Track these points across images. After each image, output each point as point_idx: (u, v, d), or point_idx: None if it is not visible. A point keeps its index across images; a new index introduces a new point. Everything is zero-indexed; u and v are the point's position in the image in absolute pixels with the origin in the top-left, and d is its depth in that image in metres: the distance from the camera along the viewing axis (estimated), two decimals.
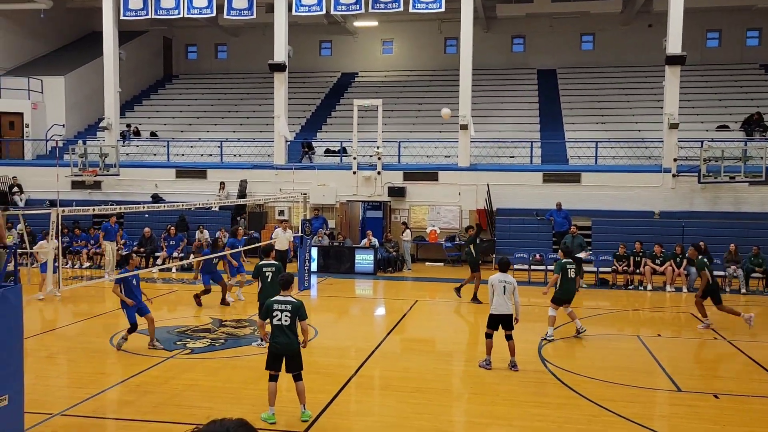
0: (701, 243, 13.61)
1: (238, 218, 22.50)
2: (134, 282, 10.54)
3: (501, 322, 9.55)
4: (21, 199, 23.84)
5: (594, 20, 29.77)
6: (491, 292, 9.57)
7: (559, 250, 12.35)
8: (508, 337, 9.56)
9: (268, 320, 7.42)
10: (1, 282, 6.38)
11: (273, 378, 7.44)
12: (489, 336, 9.66)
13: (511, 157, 23.61)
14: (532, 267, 18.89)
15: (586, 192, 21.33)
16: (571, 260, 11.79)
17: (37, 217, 15.38)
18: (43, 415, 7.47)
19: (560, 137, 24.74)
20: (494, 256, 20.46)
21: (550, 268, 17.88)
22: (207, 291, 13.99)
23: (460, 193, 22.07)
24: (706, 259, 12.70)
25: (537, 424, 7.56)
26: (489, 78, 29.19)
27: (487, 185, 21.56)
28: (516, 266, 18.72)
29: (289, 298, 7.39)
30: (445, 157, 23.59)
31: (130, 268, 10.74)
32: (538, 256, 19.30)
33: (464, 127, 22.09)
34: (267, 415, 7.41)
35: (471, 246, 15.21)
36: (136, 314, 10.48)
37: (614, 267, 17.80)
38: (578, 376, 9.36)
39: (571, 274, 11.58)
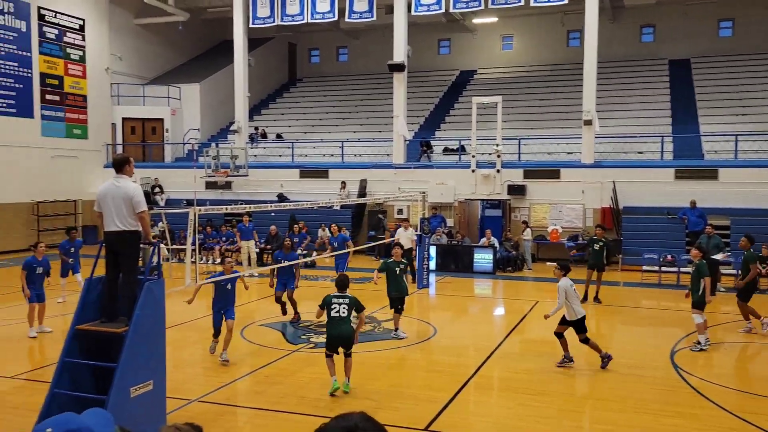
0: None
1: (379, 216, 22.78)
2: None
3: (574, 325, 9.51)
4: (162, 199, 25.69)
5: (734, 4, 27.70)
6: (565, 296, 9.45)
7: (692, 250, 11.49)
8: (585, 340, 9.51)
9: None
10: (146, 276, 6.92)
11: (329, 356, 8.41)
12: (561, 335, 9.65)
13: (639, 152, 22.49)
14: (663, 269, 17.87)
15: (723, 189, 19.89)
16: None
17: (176, 216, 16.50)
18: (182, 401, 8.02)
19: (694, 131, 23.24)
20: (620, 256, 19.59)
21: (684, 269, 16.85)
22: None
23: (583, 191, 21.31)
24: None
25: None
26: (615, 70, 27.97)
27: (613, 182, 20.66)
28: (645, 267, 17.84)
29: (346, 294, 8.49)
30: (568, 153, 22.86)
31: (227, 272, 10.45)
32: (669, 257, 18.23)
33: (588, 123, 21.30)
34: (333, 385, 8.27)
35: (598, 245, 14.61)
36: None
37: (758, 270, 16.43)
38: (715, 385, 8.76)
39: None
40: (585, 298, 14.52)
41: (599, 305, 14.29)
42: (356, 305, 8.43)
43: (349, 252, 15.50)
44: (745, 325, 11.82)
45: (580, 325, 9.43)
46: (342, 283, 8.71)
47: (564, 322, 9.55)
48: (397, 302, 11.53)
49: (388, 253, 11.86)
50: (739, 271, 12.65)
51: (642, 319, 13.53)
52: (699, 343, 10.41)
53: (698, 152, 22.08)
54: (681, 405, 8.12)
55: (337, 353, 8.38)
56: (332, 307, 8.35)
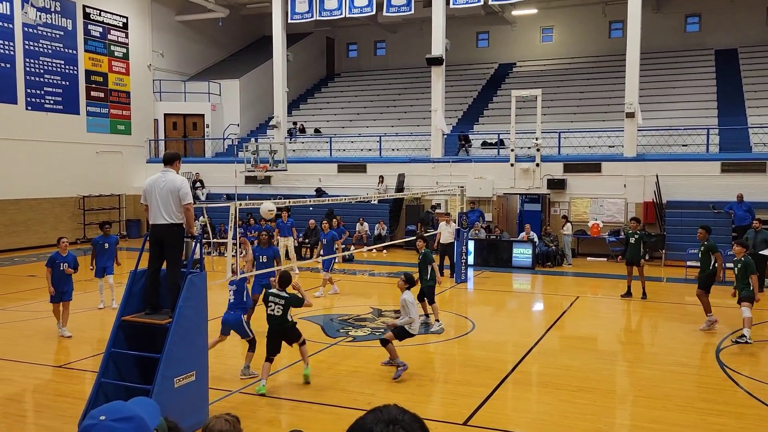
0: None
1: (432, 209, 22.67)
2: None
3: None
4: (203, 194, 26.09)
5: None
6: None
7: (735, 246, 11.08)
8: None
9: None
10: (189, 269, 7.03)
11: (269, 359, 8.29)
12: None
13: (683, 145, 21.95)
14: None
15: None
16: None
17: (217, 210, 16.72)
18: (223, 392, 8.14)
19: (741, 123, 22.58)
20: (663, 252, 19.18)
21: (728, 265, 16.40)
22: None
23: (625, 185, 20.91)
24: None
25: None
26: (658, 62, 27.33)
27: (656, 176, 20.22)
28: (689, 263, 17.43)
29: (282, 293, 8.29)
30: (609, 147, 22.46)
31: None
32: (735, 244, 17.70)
33: (630, 115, 20.88)
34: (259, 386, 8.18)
35: (634, 239, 14.32)
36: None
37: None
38: (764, 384, 8.51)
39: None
40: (629, 294, 14.26)
41: (643, 301, 14.01)
42: (294, 303, 8.32)
43: (336, 251, 15.05)
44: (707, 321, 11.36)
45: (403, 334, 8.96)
46: (283, 280, 8.47)
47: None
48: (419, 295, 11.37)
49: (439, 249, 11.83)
50: None
51: (686, 315, 13.23)
52: (744, 336, 10.17)
53: (746, 145, 21.45)
54: (727, 404, 7.91)
55: (278, 352, 8.30)
56: (268, 305, 8.27)
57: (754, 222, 16.03)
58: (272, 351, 8.30)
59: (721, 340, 10.46)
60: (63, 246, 11.24)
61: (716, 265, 11.44)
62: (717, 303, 12.07)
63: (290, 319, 8.39)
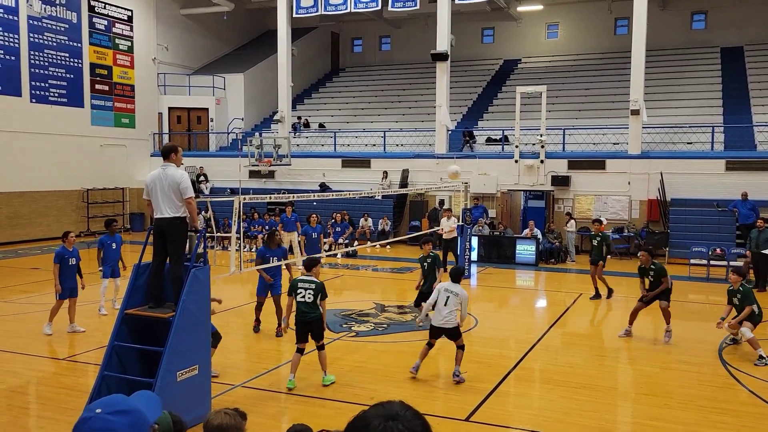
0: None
1: (438, 208, 22.35)
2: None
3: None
4: (206, 188, 26.12)
5: None
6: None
7: (731, 275, 10.22)
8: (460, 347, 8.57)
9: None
10: (192, 262, 7.05)
11: (299, 350, 8.19)
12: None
13: (688, 143, 21.90)
14: (711, 262, 17.39)
15: None
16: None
17: (220, 204, 16.72)
18: (226, 386, 8.17)
19: (746, 121, 22.50)
20: (667, 249, 19.16)
21: (733, 263, 16.36)
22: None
23: (629, 183, 20.87)
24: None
25: None
26: (664, 59, 27.22)
27: (661, 174, 20.17)
28: (692, 261, 17.40)
29: (311, 278, 8.14)
30: (614, 144, 22.41)
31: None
32: (718, 250, 17.73)
33: (635, 113, 20.82)
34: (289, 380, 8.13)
35: (596, 241, 14.01)
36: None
37: None
38: (766, 382, 8.50)
39: None
40: (598, 295, 14.11)
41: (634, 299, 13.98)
42: (324, 291, 8.11)
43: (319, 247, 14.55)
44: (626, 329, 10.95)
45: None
46: (310, 263, 8.34)
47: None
48: (420, 298, 11.03)
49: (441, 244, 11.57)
50: None
51: (689, 313, 13.23)
52: (763, 357, 9.32)
53: (750, 143, 21.39)
54: (729, 402, 7.92)
55: (306, 342, 8.16)
56: (297, 291, 8.10)
57: (759, 221, 15.98)
58: (301, 339, 8.16)
59: (723, 339, 10.45)
60: (71, 240, 10.80)
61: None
62: (719, 301, 12.05)
63: (320, 309, 8.15)
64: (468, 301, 8.70)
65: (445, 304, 8.41)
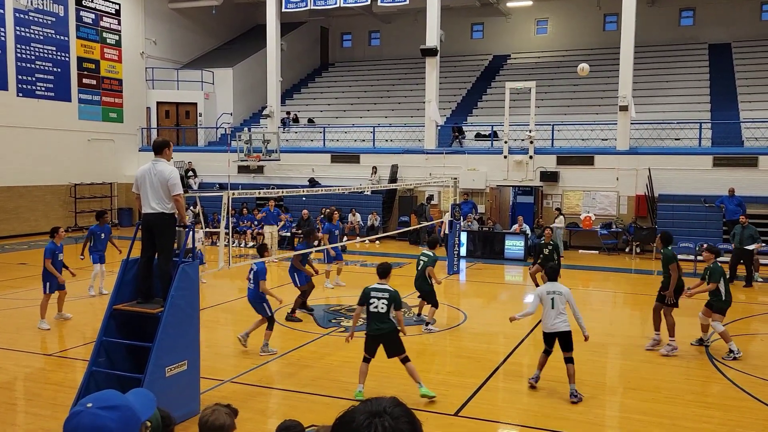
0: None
1: (426, 204, 22.40)
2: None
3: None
4: (195, 183, 25.99)
5: None
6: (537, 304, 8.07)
7: (704, 252, 10.09)
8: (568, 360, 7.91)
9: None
10: (181, 258, 7.02)
11: (366, 360, 7.67)
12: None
13: (676, 139, 22.04)
14: (699, 258, 17.49)
15: (763, 177, 19.41)
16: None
17: (209, 199, 16.67)
18: (215, 381, 8.15)
19: (734, 117, 22.67)
20: (654, 245, 19.26)
21: (720, 259, 16.47)
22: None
23: (618, 178, 20.99)
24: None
25: (704, 425, 7.06)
26: (652, 55, 27.37)
27: (649, 170, 20.30)
28: (680, 256, 17.47)
29: (386, 286, 7.57)
30: (602, 140, 22.51)
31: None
32: (706, 246, 17.84)
33: (624, 109, 20.92)
34: (357, 391, 7.62)
35: (547, 249, 13.49)
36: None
37: None
38: (752, 377, 8.60)
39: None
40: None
41: (632, 294, 14.08)
42: (396, 302, 7.52)
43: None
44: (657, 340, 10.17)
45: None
46: (385, 271, 7.77)
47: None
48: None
49: (431, 243, 11.57)
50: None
51: (677, 309, 13.29)
52: (732, 351, 9.35)
53: (738, 139, 21.55)
54: (715, 396, 8.00)
55: (374, 355, 7.66)
56: (370, 301, 7.53)
57: (741, 217, 16.10)
58: (370, 352, 7.61)
59: (710, 334, 10.52)
60: (61, 236, 11.18)
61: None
62: (706, 297, 12.17)
63: (393, 322, 7.53)
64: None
65: (552, 307, 7.81)
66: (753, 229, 15.60)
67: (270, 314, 9.42)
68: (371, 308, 7.50)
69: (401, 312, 7.61)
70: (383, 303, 7.44)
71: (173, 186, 6.96)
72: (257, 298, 9.43)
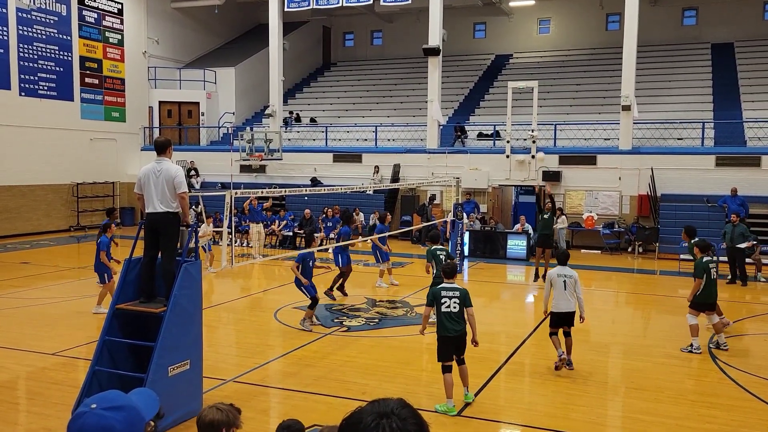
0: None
1: (429, 201, 22.43)
2: (311, 262, 11.10)
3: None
4: (197, 182, 26.00)
5: None
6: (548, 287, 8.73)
7: (696, 248, 10.07)
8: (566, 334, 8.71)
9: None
10: (183, 257, 7.01)
11: (450, 369, 7.36)
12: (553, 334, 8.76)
13: (678, 139, 22.00)
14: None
15: (767, 177, 19.36)
16: (713, 259, 9.94)
17: (212, 198, 16.69)
18: (217, 380, 8.15)
19: (737, 117, 22.63)
20: (657, 245, 19.26)
21: (722, 259, 16.46)
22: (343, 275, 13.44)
23: (620, 178, 20.96)
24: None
25: (707, 426, 7.04)
26: (655, 55, 27.32)
27: (651, 169, 20.26)
28: (682, 256, 17.49)
29: (455, 285, 7.48)
30: (605, 140, 22.48)
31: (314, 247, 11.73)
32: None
33: (626, 108, 20.89)
34: (447, 407, 7.29)
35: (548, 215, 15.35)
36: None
37: None
38: (755, 377, 8.57)
39: (714, 275, 9.70)
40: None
41: (636, 294, 14.07)
42: (469, 299, 7.40)
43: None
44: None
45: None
46: (451, 271, 7.66)
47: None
48: None
49: (432, 238, 11.48)
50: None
51: (679, 308, 13.25)
52: (691, 345, 9.51)
53: (740, 139, 21.51)
54: (719, 396, 7.97)
55: (452, 359, 7.41)
56: (442, 301, 7.33)
57: (732, 216, 16.02)
58: (446, 358, 7.36)
59: (712, 333, 10.51)
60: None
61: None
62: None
63: (465, 322, 7.41)
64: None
65: (565, 289, 8.55)
66: (743, 228, 15.55)
67: (310, 296, 10.63)
68: (443, 308, 7.31)
69: (472, 309, 7.48)
70: (455, 302, 7.32)
71: (179, 184, 6.97)
72: (297, 283, 10.74)
